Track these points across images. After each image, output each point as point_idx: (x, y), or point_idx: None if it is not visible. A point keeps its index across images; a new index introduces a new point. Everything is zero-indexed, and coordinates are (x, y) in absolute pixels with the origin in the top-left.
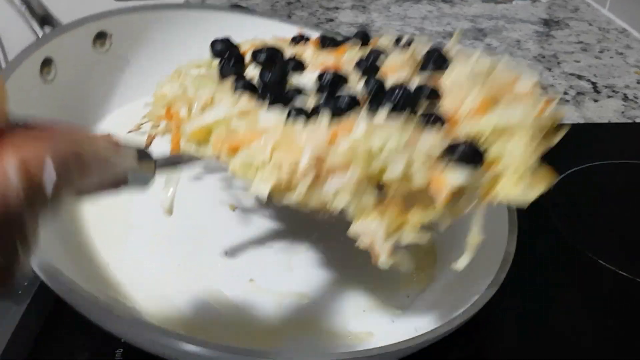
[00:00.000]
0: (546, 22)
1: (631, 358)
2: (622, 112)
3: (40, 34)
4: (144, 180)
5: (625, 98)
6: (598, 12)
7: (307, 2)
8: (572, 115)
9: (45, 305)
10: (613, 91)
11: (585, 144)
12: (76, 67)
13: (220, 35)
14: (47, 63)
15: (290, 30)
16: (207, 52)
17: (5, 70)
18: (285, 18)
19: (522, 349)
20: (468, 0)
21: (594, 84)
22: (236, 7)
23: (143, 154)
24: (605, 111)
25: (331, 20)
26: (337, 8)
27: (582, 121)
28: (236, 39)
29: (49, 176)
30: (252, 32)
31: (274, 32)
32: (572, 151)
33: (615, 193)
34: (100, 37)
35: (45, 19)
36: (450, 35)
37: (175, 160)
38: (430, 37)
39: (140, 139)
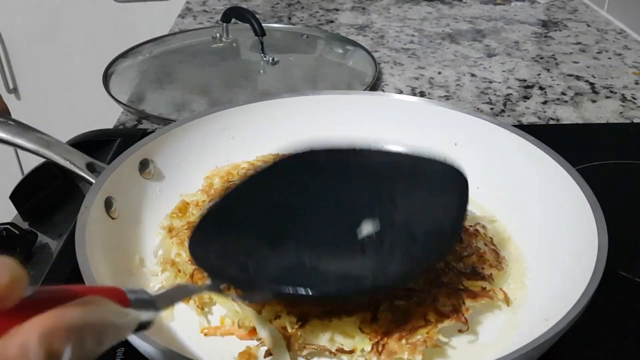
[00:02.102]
0: (545, 23)
1: (630, 358)
2: (621, 113)
3: (88, 177)
4: (145, 326)
5: (624, 99)
6: (596, 13)
7: (307, 3)
8: (570, 116)
9: None
10: (611, 92)
11: (583, 145)
12: (131, 199)
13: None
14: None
15: None
16: (229, 155)
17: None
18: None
19: None
20: (467, 2)
21: (592, 84)
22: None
23: (147, 303)
24: (604, 112)
25: (331, 21)
26: (337, 9)
27: (580, 122)
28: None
29: (67, 349)
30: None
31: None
32: (571, 152)
33: (613, 193)
34: (144, 165)
35: (90, 166)
36: (450, 36)
37: (177, 295)
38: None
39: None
